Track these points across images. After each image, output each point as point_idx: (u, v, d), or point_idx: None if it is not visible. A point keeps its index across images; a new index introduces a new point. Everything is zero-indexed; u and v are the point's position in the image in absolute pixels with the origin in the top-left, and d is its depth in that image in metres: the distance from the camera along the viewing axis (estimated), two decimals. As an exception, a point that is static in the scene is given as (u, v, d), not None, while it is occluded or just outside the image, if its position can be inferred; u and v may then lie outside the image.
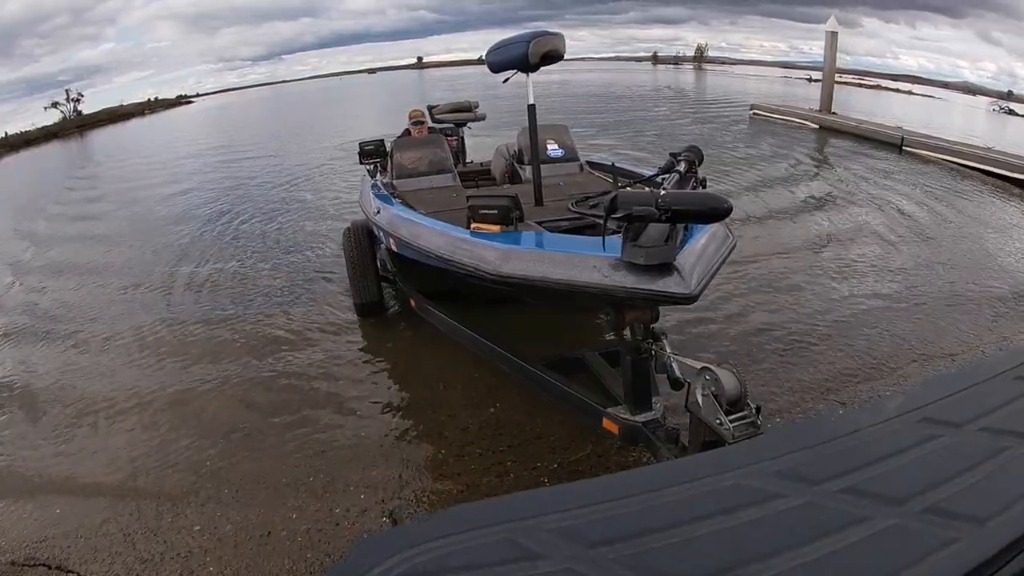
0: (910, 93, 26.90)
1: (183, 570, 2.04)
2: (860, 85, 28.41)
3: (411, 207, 2.77)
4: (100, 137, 25.71)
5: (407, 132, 4.30)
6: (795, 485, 0.47)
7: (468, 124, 4.88)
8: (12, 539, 2.24)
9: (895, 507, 0.44)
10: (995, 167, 6.58)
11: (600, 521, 0.42)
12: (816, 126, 9.22)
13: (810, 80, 28.45)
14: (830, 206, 5.99)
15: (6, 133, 28.80)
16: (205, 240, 5.99)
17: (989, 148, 7.56)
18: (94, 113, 38.34)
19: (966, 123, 14.56)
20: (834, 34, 9.95)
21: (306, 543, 2.12)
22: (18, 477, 2.61)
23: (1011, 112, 19.28)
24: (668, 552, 0.40)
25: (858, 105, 17.71)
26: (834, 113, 9.71)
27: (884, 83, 30.13)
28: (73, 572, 2.06)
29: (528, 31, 2.70)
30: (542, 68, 2.70)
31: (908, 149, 7.73)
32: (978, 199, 6.17)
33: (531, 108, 2.81)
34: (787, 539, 0.41)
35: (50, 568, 2.09)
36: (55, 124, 35.34)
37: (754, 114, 11.04)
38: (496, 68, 2.83)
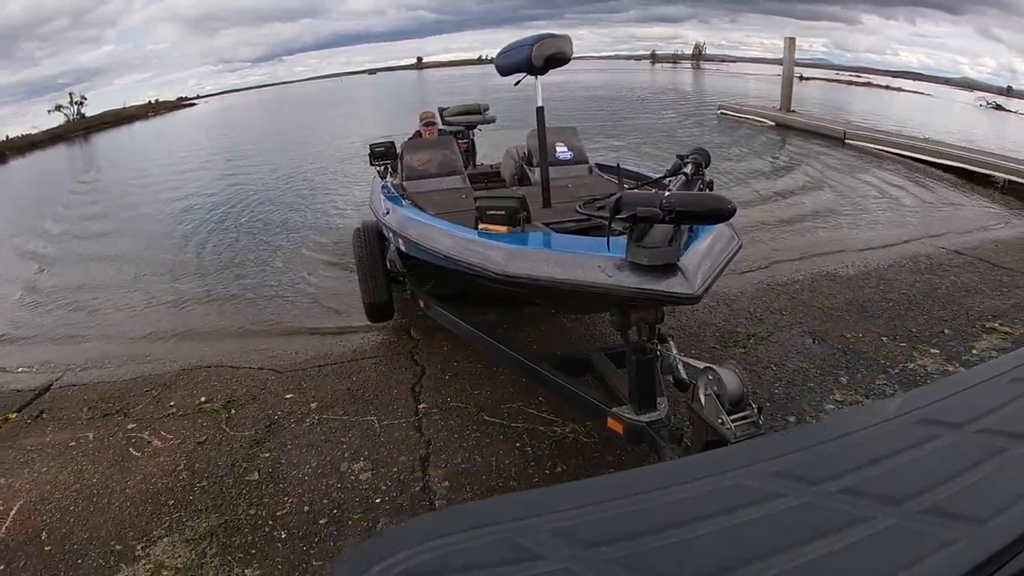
0: (899, 90, 27.24)
1: (292, 362, 3.26)
2: (851, 83, 29.09)
3: (420, 208, 2.82)
4: (107, 141, 25.96)
5: (418, 134, 4.41)
6: (794, 485, 0.47)
7: (478, 126, 4.99)
8: (180, 360, 3.43)
9: (894, 507, 0.45)
10: (921, 154, 7.78)
11: (599, 521, 0.43)
12: (774, 123, 10.51)
13: (801, 79, 29.70)
14: (764, 177, 7.59)
15: (7, 136, 28.58)
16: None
17: (927, 139, 8.78)
18: (98, 115, 38.04)
19: (943, 119, 15.04)
20: (792, 39, 11.24)
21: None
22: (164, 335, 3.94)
23: (998, 107, 19.56)
24: (667, 552, 0.40)
25: (843, 104, 18.88)
26: (793, 111, 10.98)
27: (875, 80, 30.60)
28: (243, 367, 3.20)
29: (536, 34, 2.75)
30: (541, 71, 2.73)
31: (849, 142, 8.96)
32: (884, 175, 7.53)
33: (539, 110, 2.86)
34: (786, 539, 0.42)
35: (211, 367, 3.23)
36: (60, 127, 35.21)
37: (721, 113, 12.29)
38: (504, 71, 2.89)
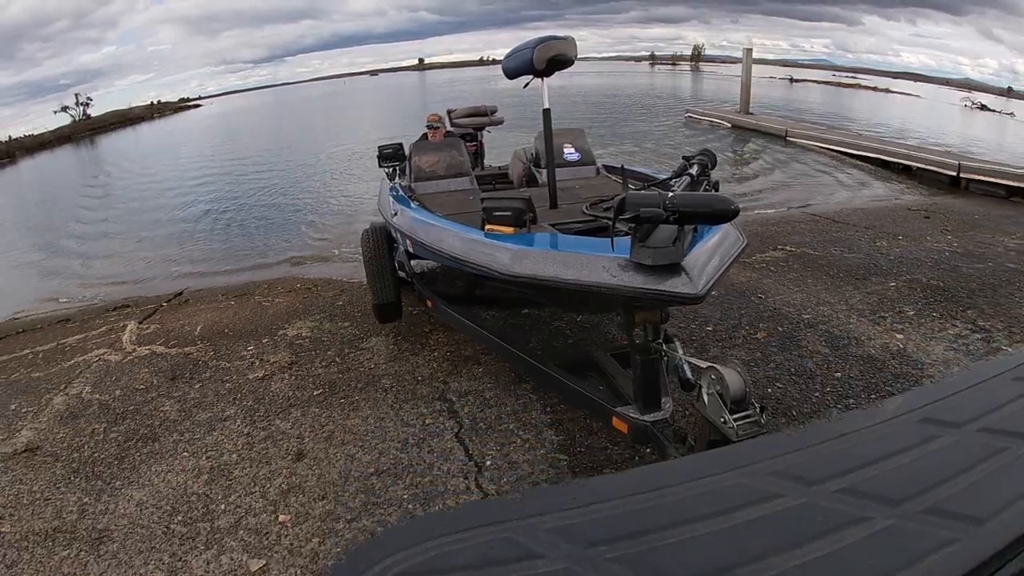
0: (887, 91, 28.34)
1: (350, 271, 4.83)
2: (840, 84, 30.56)
3: (428, 209, 2.91)
4: (115, 142, 26.92)
5: (425, 136, 4.56)
6: (794, 485, 0.50)
7: (487, 128, 5.20)
8: (271, 275, 5.13)
9: (894, 507, 0.47)
10: (850, 148, 9.21)
11: (599, 521, 0.45)
12: (730, 125, 12.54)
13: (791, 81, 31.33)
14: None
15: (10, 136, 29.12)
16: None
17: (858, 135, 10.79)
18: (104, 115, 39.10)
19: (919, 119, 16.40)
20: (749, 50, 13.28)
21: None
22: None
23: (983, 107, 20.28)
24: (666, 551, 0.42)
25: (822, 105, 20.36)
26: (750, 113, 12.96)
27: (868, 82, 31.77)
28: (314, 276, 4.76)
29: (539, 36, 2.86)
30: (545, 74, 2.85)
31: (790, 140, 10.94)
32: (802, 163, 9.23)
33: (546, 112, 2.97)
34: (785, 539, 0.44)
35: (294, 278, 4.85)
36: (66, 127, 35.77)
37: (688, 117, 14.43)
38: (510, 74, 3.01)
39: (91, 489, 2.16)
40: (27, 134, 31.94)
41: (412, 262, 3.33)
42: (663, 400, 1.97)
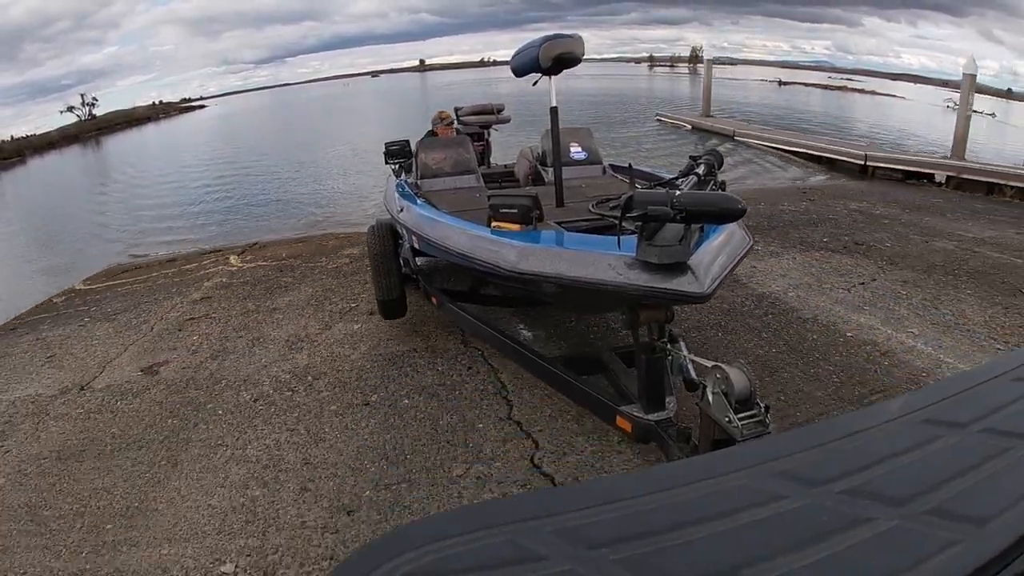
0: (874, 93, 30.64)
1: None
2: (827, 87, 32.76)
3: (434, 206, 3.02)
4: (123, 144, 28.22)
5: (433, 133, 4.71)
6: (798, 486, 0.51)
7: (493, 126, 5.45)
8: (320, 231, 7.79)
9: (897, 508, 0.48)
10: (784, 145, 10.96)
11: (603, 522, 0.46)
12: (691, 127, 15.12)
13: (780, 83, 33.22)
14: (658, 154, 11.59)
15: (12, 136, 30.92)
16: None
17: (800, 134, 13.14)
18: (108, 115, 41.59)
19: (891, 120, 18.48)
20: (710, 60, 15.87)
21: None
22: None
23: None
24: (670, 553, 0.43)
25: (797, 107, 22.82)
26: (711, 116, 15.50)
27: (851, 84, 34.18)
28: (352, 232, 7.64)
29: (546, 34, 3.00)
30: (552, 72, 3.00)
31: (737, 139, 13.34)
32: (741, 154, 11.19)
33: (553, 111, 3.11)
34: (790, 540, 0.45)
35: (334, 231, 7.77)
36: (72, 126, 38.18)
37: (658, 120, 17.06)
38: (517, 72, 3.15)
39: (258, 300, 4.44)
40: (30, 133, 33.88)
41: (417, 259, 3.45)
42: (667, 400, 2.07)
